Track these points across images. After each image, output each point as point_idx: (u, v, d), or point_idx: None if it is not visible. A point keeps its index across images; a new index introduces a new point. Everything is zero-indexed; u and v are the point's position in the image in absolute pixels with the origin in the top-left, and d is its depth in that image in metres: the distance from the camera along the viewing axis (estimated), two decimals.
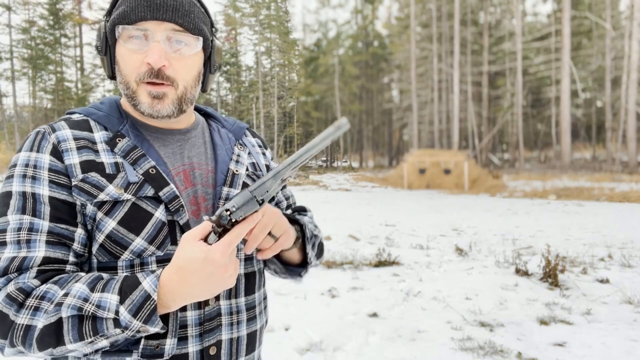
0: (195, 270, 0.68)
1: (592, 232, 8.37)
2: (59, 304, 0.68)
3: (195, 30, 0.82)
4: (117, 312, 0.67)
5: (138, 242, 0.78)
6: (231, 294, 0.86)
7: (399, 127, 44.83)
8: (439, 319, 3.78)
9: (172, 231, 0.80)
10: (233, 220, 0.70)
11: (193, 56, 0.83)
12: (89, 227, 0.78)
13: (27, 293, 0.69)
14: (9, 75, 25.42)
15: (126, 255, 0.77)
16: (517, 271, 5.12)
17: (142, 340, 0.76)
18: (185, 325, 0.80)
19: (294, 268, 0.98)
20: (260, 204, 0.72)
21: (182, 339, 0.80)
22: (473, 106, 35.86)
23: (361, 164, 45.91)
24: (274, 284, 4.66)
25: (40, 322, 0.67)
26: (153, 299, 0.68)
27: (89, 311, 0.67)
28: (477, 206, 13.31)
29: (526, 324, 3.68)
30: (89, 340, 0.68)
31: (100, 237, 0.77)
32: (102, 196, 0.77)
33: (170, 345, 0.77)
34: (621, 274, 5.16)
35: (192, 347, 0.80)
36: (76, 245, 0.77)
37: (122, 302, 0.68)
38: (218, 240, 0.70)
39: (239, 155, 0.95)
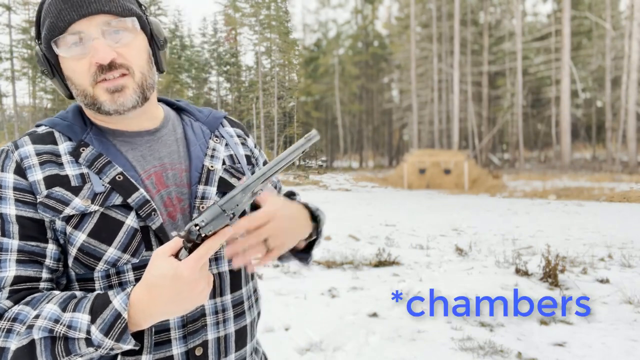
0: (165, 287, 0.67)
1: (592, 232, 8.37)
2: (31, 326, 0.67)
3: (125, 12, 0.79)
4: (88, 332, 0.67)
5: (111, 252, 0.77)
6: (215, 293, 0.85)
7: (399, 127, 44.82)
8: (439, 319, 3.78)
9: (146, 237, 0.79)
10: (202, 235, 0.68)
11: (135, 39, 0.81)
12: (62, 241, 0.77)
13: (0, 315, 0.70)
14: (9, 75, 25.41)
15: (101, 266, 0.77)
16: (517, 271, 5.12)
17: (119, 357, 0.76)
18: (168, 329, 0.79)
19: (300, 254, 0.98)
20: (231, 218, 0.71)
21: (166, 342, 0.79)
22: (473, 106, 35.85)
23: (361, 164, 45.90)
24: (274, 284, 4.66)
25: (13, 344, 0.67)
26: (123, 317, 0.68)
27: (60, 332, 0.67)
28: (477, 206, 13.31)
29: (526, 324, 3.68)
30: (74, 356, 0.68)
31: (72, 251, 0.77)
32: (67, 210, 0.75)
33: (147, 359, 0.77)
34: (621, 274, 5.16)
35: (177, 349, 0.80)
36: (48, 261, 0.76)
37: (93, 321, 0.68)
38: (188, 255, 0.68)
39: (214, 149, 0.91)
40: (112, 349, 0.69)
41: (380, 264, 5.58)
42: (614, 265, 5.65)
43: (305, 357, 3.10)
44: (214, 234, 0.69)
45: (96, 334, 0.67)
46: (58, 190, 0.76)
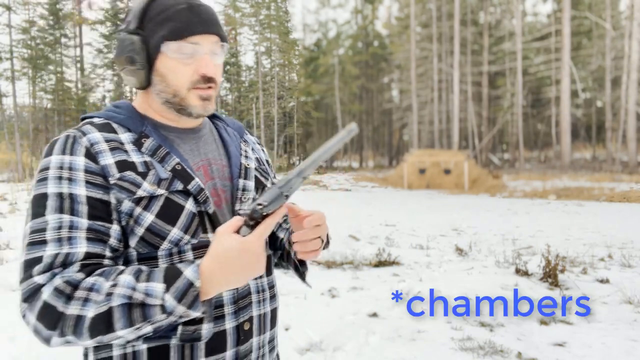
0: (233, 259, 0.76)
1: (592, 232, 8.37)
2: (109, 294, 0.73)
3: (225, 39, 0.93)
4: (163, 299, 0.73)
5: (175, 232, 0.85)
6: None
7: (399, 127, 44.81)
8: (439, 319, 3.79)
9: (202, 221, 0.89)
10: (264, 214, 0.79)
11: (222, 61, 0.95)
12: (124, 223, 0.84)
13: (74, 285, 0.74)
14: (9, 75, 25.38)
15: (165, 245, 0.85)
16: (517, 271, 5.12)
17: (180, 327, 0.83)
18: (222, 305, 0.89)
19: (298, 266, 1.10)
20: (286, 199, 0.81)
21: (219, 318, 0.88)
22: (473, 106, 35.85)
23: (361, 164, 45.90)
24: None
25: (91, 311, 0.72)
26: (195, 285, 0.75)
27: (138, 299, 0.73)
28: (477, 206, 13.31)
29: (526, 324, 3.68)
30: (137, 326, 0.74)
31: (140, 231, 0.84)
32: (140, 192, 0.83)
33: (207, 329, 0.86)
34: (621, 274, 5.16)
35: (229, 324, 0.89)
36: (112, 241, 0.82)
37: (167, 290, 0.74)
38: (250, 232, 0.79)
39: (245, 151, 1.05)
40: (181, 317, 0.75)
41: (380, 264, 5.59)
42: (614, 265, 5.66)
43: (305, 357, 3.10)
44: (272, 213, 0.80)
45: (170, 301, 0.73)
46: (129, 174, 0.84)
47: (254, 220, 0.79)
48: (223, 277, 0.77)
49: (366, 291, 4.58)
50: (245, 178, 0.99)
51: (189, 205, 0.87)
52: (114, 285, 0.74)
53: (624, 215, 10.84)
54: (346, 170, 36.11)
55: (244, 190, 0.97)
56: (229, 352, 0.89)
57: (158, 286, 0.74)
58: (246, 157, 1.03)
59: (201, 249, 0.87)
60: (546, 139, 39.03)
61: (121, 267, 0.79)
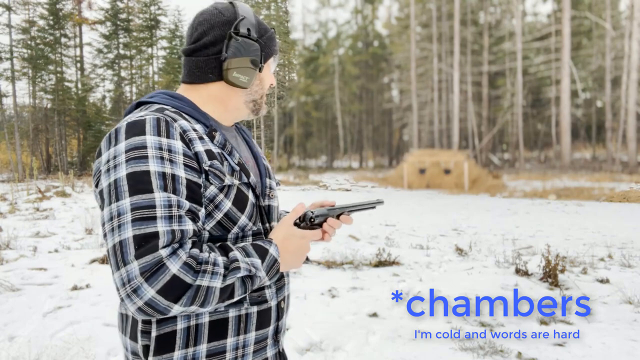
0: (294, 242, 0.96)
1: (592, 232, 8.37)
2: (236, 269, 0.84)
3: None
4: (261, 271, 0.88)
5: (243, 219, 0.96)
6: None
7: (399, 127, 44.80)
8: (439, 319, 3.78)
9: (257, 211, 1.00)
10: (312, 220, 1.03)
11: None
12: (203, 206, 0.91)
13: (198, 260, 0.80)
14: (9, 75, 25.34)
15: (235, 230, 0.95)
16: (517, 271, 5.12)
17: (247, 295, 0.95)
18: (270, 285, 1.02)
19: None
20: (328, 217, 1.09)
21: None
22: (473, 106, 35.84)
23: (361, 164, 45.89)
24: None
25: (219, 283, 0.81)
26: (278, 262, 0.92)
27: (253, 272, 0.86)
28: (477, 206, 13.31)
29: (526, 324, 3.68)
30: (246, 294, 0.88)
31: (218, 215, 0.92)
32: (226, 180, 0.93)
33: (269, 293, 1.00)
34: (621, 274, 5.16)
35: (273, 302, 1.02)
36: (199, 223, 0.88)
37: (262, 264, 0.88)
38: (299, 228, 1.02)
39: (261, 153, 1.16)
40: (261, 285, 0.92)
41: (380, 264, 5.58)
42: (614, 265, 5.65)
43: (305, 357, 3.10)
44: (316, 224, 1.05)
45: (262, 273, 0.89)
46: (216, 163, 0.92)
47: (303, 222, 1.02)
48: (287, 257, 0.95)
49: (366, 291, 4.58)
50: (270, 177, 1.10)
51: (251, 197, 0.98)
52: (235, 260, 0.84)
53: (624, 215, 10.84)
54: (346, 170, 36.09)
55: (270, 188, 1.08)
56: (272, 327, 1.02)
57: (258, 262, 0.88)
58: (263, 158, 1.14)
59: (258, 235, 1.00)
60: (546, 139, 39.01)
61: (215, 245, 0.89)
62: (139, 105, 1.00)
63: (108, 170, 0.84)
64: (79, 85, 30.88)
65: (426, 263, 5.77)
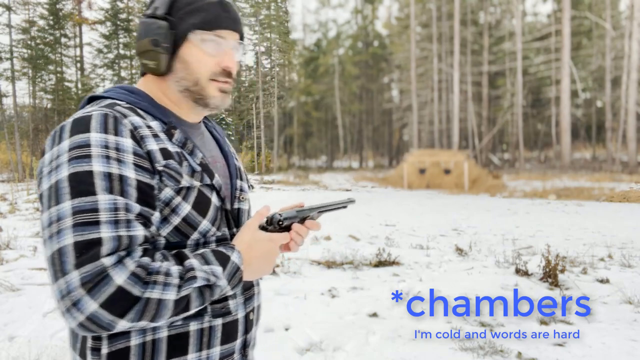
0: (261, 246, 0.88)
1: (592, 232, 8.37)
2: (192, 278, 0.76)
3: (244, 39, 0.98)
4: (222, 280, 0.80)
5: (205, 224, 0.88)
6: None
7: (399, 127, 44.79)
8: (439, 319, 3.78)
9: (222, 215, 0.93)
10: (280, 223, 0.95)
11: None
12: (158, 210, 0.82)
13: (147, 270, 0.72)
14: (9, 75, 25.34)
15: (195, 235, 0.87)
16: (517, 271, 5.12)
17: (208, 306, 0.88)
18: (235, 295, 0.94)
19: None
20: (299, 221, 0.99)
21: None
22: (473, 106, 35.84)
23: (361, 164, 45.87)
24: (274, 283, 4.66)
25: (173, 295, 0.73)
26: (241, 269, 0.83)
27: (212, 281, 0.79)
28: (477, 206, 13.31)
29: (526, 324, 3.68)
30: (204, 305, 0.80)
31: (176, 220, 0.84)
32: (183, 182, 0.84)
33: (233, 304, 0.92)
34: (621, 274, 5.16)
35: (240, 314, 0.95)
36: (153, 228, 0.80)
37: (223, 271, 0.81)
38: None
39: (233, 153, 1.08)
40: (222, 295, 0.83)
41: (380, 264, 5.58)
42: (614, 265, 5.65)
43: (305, 357, 3.10)
44: (285, 227, 0.96)
45: (223, 282, 0.80)
46: (173, 163, 0.84)
47: (270, 226, 0.95)
48: (253, 264, 0.87)
49: (366, 291, 4.57)
50: (241, 179, 1.03)
51: (214, 199, 0.90)
52: (191, 269, 0.76)
53: (624, 215, 10.84)
54: (346, 170, 36.10)
55: (241, 190, 1.01)
56: (239, 340, 0.95)
57: (219, 269, 0.80)
58: (236, 159, 1.06)
59: (222, 241, 0.92)
60: (546, 139, 39.00)
61: (171, 252, 0.81)
62: (91, 100, 0.90)
63: (50, 171, 0.75)
64: (79, 85, 30.88)
65: (426, 263, 5.77)
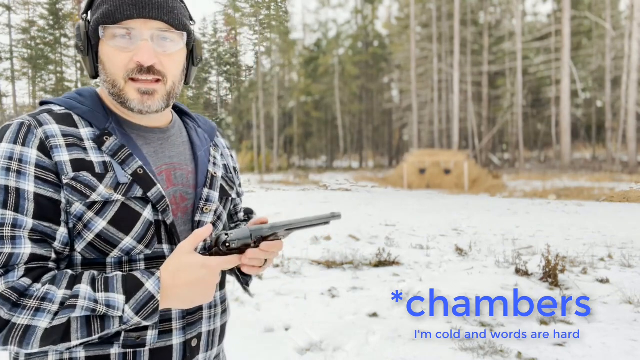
0: (192, 273, 0.75)
1: (592, 232, 8.37)
2: (70, 306, 0.69)
3: (180, 26, 0.83)
4: (123, 311, 0.71)
5: (127, 241, 0.79)
6: None
7: (399, 127, 44.79)
8: (439, 319, 3.78)
9: (158, 230, 0.83)
10: (227, 245, 0.80)
11: (178, 52, 0.84)
12: (71, 225, 0.77)
13: (20, 292, 0.68)
14: (9, 75, 25.37)
15: (115, 253, 0.79)
16: (517, 271, 5.12)
17: (123, 333, 0.78)
18: (170, 319, 0.84)
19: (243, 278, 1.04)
20: (254, 243, 0.83)
21: (167, 332, 0.83)
22: (473, 106, 35.85)
23: (361, 164, 45.87)
24: (274, 284, 4.66)
25: (45, 322, 0.68)
26: (157, 299, 0.73)
27: (101, 312, 0.70)
28: (477, 206, 13.31)
29: (526, 324, 3.68)
30: (94, 336, 0.71)
31: (89, 236, 0.78)
32: (94, 196, 0.77)
33: (151, 336, 0.81)
34: (621, 274, 5.16)
35: (176, 340, 0.84)
36: (57, 244, 0.76)
37: (127, 301, 0.72)
38: (206, 255, 0.80)
39: (215, 157, 0.97)
40: (131, 325, 0.73)
41: (380, 264, 5.58)
42: (614, 265, 5.65)
43: (305, 357, 3.10)
44: (234, 249, 0.81)
45: (128, 313, 0.72)
46: (85, 175, 0.77)
47: (215, 247, 0.81)
48: (180, 293, 0.76)
49: (366, 291, 4.57)
50: (211, 187, 0.92)
51: (147, 214, 0.81)
52: (74, 297, 0.69)
53: (624, 215, 10.84)
54: (346, 170, 36.10)
55: (207, 200, 0.91)
56: None
57: (119, 298, 0.71)
58: (214, 164, 0.96)
59: (154, 260, 0.82)
60: (546, 139, 38.99)
61: (70, 272, 0.74)
62: (41, 104, 0.87)
63: None
64: (79, 85, 30.87)
65: (426, 263, 5.77)
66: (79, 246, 0.78)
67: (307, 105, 39.36)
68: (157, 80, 0.82)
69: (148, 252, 0.82)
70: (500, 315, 3.86)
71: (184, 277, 0.75)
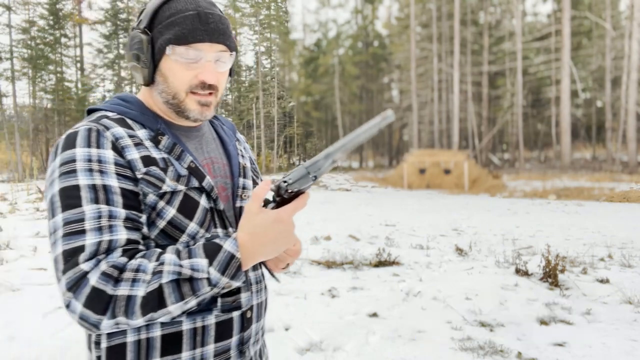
0: (268, 230, 0.82)
1: (592, 232, 8.37)
2: (159, 272, 0.77)
3: (233, 48, 0.96)
4: (208, 273, 0.78)
5: (192, 227, 0.90)
6: (255, 266, 1.03)
7: (399, 127, 44.81)
8: (439, 319, 3.78)
9: (213, 216, 0.94)
10: (289, 191, 0.82)
11: (227, 69, 0.97)
12: (147, 214, 0.88)
13: (120, 269, 0.77)
14: (9, 75, 25.34)
15: (183, 238, 0.90)
16: (517, 271, 5.12)
17: (219, 299, 0.91)
18: (247, 287, 0.97)
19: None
20: (314, 180, 0.83)
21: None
22: (473, 106, 35.85)
23: (361, 164, 45.88)
24: (274, 284, 4.66)
25: (141, 290, 0.76)
26: (237, 257, 0.80)
27: (186, 274, 0.77)
28: (477, 206, 13.32)
29: (526, 324, 3.68)
30: (186, 300, 0.78)
31: (161, 223, 0.88)
32: (164, 187, 0.88)
33: (245, 298, 0.96)
34: (621, 274, 5.16)
35: (236, 312, 0.96)
36: (144, 230, 0.86)
37: (210, 263, 0.79)
38: (275, 207, 0.84)
39: (241, 150, 1.11)
40: (223, 288, 0.81)
41: (380, 264, 5.58)
42: (614, 265, 5.65)
43: (305, 357, 3.10)
44: (297, 193, 0.83)
45: (214, 274, 0.79)
46: (154, 169, 0.87)
47: (279, 197, 0.84)
48: (260, 247, 0.82)
49: (366, 291, 4.57)
50: (244, 177, 1.04)
51: (203, 202, 0.92)
52: (161, 264, 0.78)
53: (624, 215, 10.84)
54: (346, 170, 36.10)
55: (244, 188, 1.03)
56: (235, 338, 0.96)
57: (202, 261, 0.79)
58: (242, 156, 1.08)
59: None
60: (546, 139, 39.00)
61: (158, 249, 0.82)
62: (89, 112, 0.97)
63: (48, 186, 0.85)
64: (79, 85, 30.88)
65: (426, 263, 5.77)
66: (152, 233, 0.88)
67: (307, 105, 39.37)
68: (211, 94, 0.94)
69: (208, 235, 0.92)
70: (500, 315, 3.86)
71: (262, 236, 0.82)
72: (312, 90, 43.70)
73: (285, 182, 0.82)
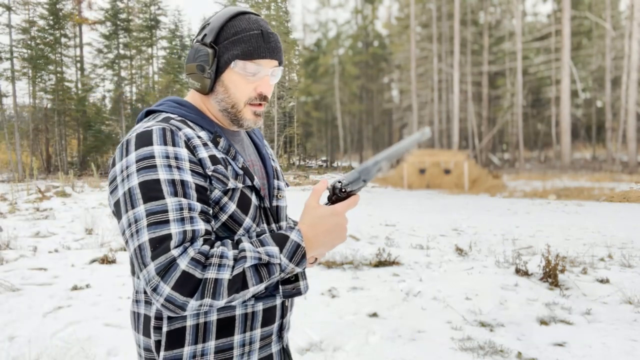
0: (326, 222, 0.93)
1: (592, 232, 8.37)
2: (242, 258, 0.86)
3: (282, 63, 1.06)
4: (280, 259, 0.89)
5: (248, 221, 1.00)
6: None
7: (399, 127, 44.78)
8: (439, 319, 3.78)
9: (261, 212, 1.04)
10: (343, 190, 0.94)
11: None
12: (211, 208, 0.96)
13: (206, 256, 0.85)
14: (9, 75, 25.33)
15: (240, 231, 0.99)
16: (517, 271, 5.12)
17: (280, 287, 1.00)
18: (304, 276, 1.04)
19: None
20: (364, 181, 0.94)
21: (272, 296, 1.04)
22: (473, 106, 35.85)
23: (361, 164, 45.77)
24: None
25: (227, 274, 0.84)
26: (302, 246, 0.91)
27: (265, 260, 0.87)
28: (477, 206, 13.32)
29: (526, 324, 3.68)
30: (263, 282, 0.88)
31: (223, 217, 0.97)
32: (230, 184, 0.97)
33: (304, 285, 1.02)
34: (621, 274, 5.16)
35: (278, 300, 1.06)
36: (213, 222, 0.95)
37: (280, 251, 0.89)
38: (330, 205, 0.96)
39: (271, 154, 1.20)
40: (288, 273, 0.90)
41: (380, 264, 5.58)
42: (614, 265, 5.65)
43: (305, 357, 3.10)
44: (349, 194, 0.95)
45: (284, 260, 0.89)
46: (221, 168, 0.96)
47: (334, 196, 0.95)
48: (320, 239, 0.93)
49: (366, 291, 4.57)
50: (278, 179, 1.14)
51: (254, 199, 1.02)
52: (242, 251, 0.87)
53: (624, 215, 10.84)
54: (346, 170, 36.10)
55: (278, 189, 1.13)
56: (276, 324, 1.08)
57: (275, 249, 0.89)
58: (273, 160, 1.18)
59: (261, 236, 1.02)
60: (546, 139, 38.98)
61: (230, 240, 0.92)
62: (148, 113, 1.06)
63: (122, 180, 0.90)
64: (79, 85, 30.88)
65: (426, 263, 5.77)
66: (214, 226, 0.96)
67: (307, 105, 39.37)
68: (261, 104, 1.04)
69: (258, 230, 1.02)
70: (500, 315, 3.86)
71: (321, 227, 0.93)
72: (312, 90, 43.69)
73: (339, 182, 0.94)
